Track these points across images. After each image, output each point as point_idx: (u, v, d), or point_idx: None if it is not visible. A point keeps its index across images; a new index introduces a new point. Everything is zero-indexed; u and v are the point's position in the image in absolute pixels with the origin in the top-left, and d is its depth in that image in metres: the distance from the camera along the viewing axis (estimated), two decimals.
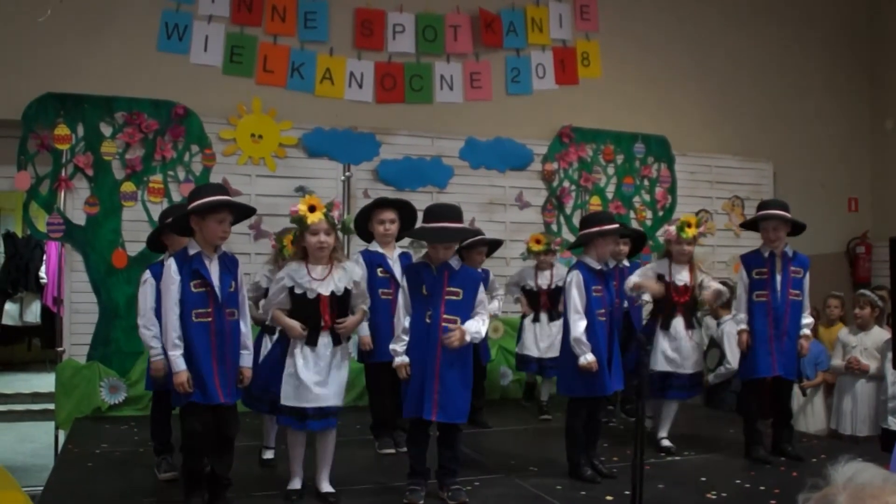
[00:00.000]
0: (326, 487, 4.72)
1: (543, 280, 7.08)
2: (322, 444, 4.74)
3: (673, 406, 6.06)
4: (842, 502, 1.40)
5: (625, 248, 6.82)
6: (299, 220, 4.57)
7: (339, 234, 4.82)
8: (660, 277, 5.84)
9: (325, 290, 4.61)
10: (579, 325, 5.14)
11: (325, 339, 4.62)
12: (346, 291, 4.68)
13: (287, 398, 4.58)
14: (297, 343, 4.61)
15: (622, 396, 6.98)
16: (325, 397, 4.57)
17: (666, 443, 5.97)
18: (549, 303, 7.02)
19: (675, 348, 5.84)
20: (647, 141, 9.21)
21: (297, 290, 4.61)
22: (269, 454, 5.54)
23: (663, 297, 5.82)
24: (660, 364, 5.82)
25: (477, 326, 4.71)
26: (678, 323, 5.84)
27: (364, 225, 6.01)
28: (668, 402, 6.03)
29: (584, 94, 9.09)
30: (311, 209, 4.56)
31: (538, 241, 7.09)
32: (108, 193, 7.31)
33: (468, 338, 4.66)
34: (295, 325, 4.58)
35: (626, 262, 6.78)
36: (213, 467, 4.47)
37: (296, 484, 4.74)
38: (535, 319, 7.06)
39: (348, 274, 4.71)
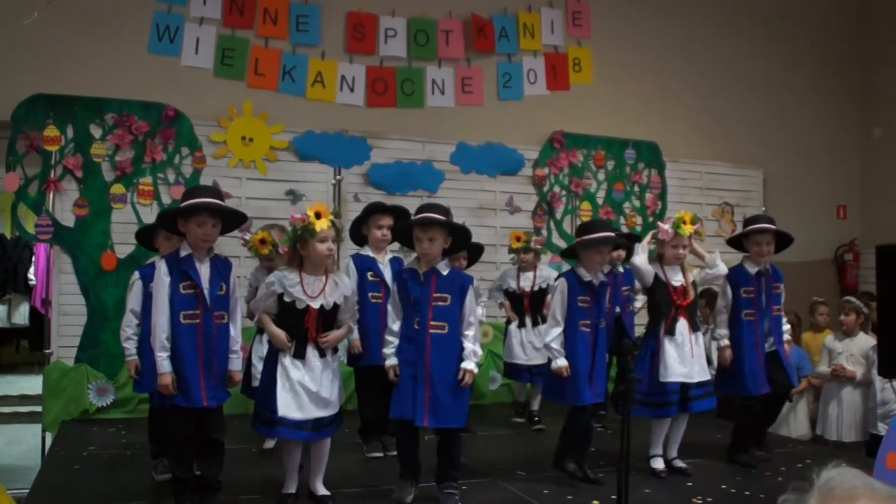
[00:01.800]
0: (322, 490, 4.70)
1: (526, 282, 6.94)
2: (317, 447, 4.69)
3: (683, 420, 5.58)
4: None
5: (622, 254, 6.71)
6: (306, 228, 4.46)
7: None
8: (656, 279, 5.46)
9: (315, 303, 4.54)
10: (552, 332, 5.15)
11: (312, 351, 4.54)
12: (335, 305, 4.61)
13: (288, 409, 4.44)
14: (286, 354, 4.53)
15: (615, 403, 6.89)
16: (323, 408, 4.52)
17: (679, 463, 5.57)
18: (532, 306, 6.89)
19: (681, 355, 5.37)
20: (637, 147, 9.23)
21: (287, 299, 4.54)
22: (270, 443, 5.54)
23: (663, 301, 5.45)
24: (672, 375, 5.34)
25: (475, 355, 4.69)
26: (682, 327, 5.42)
27: (357, 228, 6.00)
28: (680, 417, 5.52)
29: (575, 100, 9.12)
30: (318, 216, 4.47)
31: (518, 239, 6.93)
32: (98, 195, 7.30)
33: (476, 370, 4.68)
34: (281, 334, 4.50)
35: (620, 269, 6.72)
36: (202, 471, 4.46)
37: (291, 488, 4.68)
38: (521, 325, 6.93)
39: (340, 288, 4.64)
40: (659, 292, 5.48)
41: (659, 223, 5.58)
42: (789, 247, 5.85)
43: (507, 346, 7.08)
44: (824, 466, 1.49)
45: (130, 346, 5.10)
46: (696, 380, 5.42)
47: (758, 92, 10.00)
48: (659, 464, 5.50)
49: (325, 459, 4.71)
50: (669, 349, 5.39)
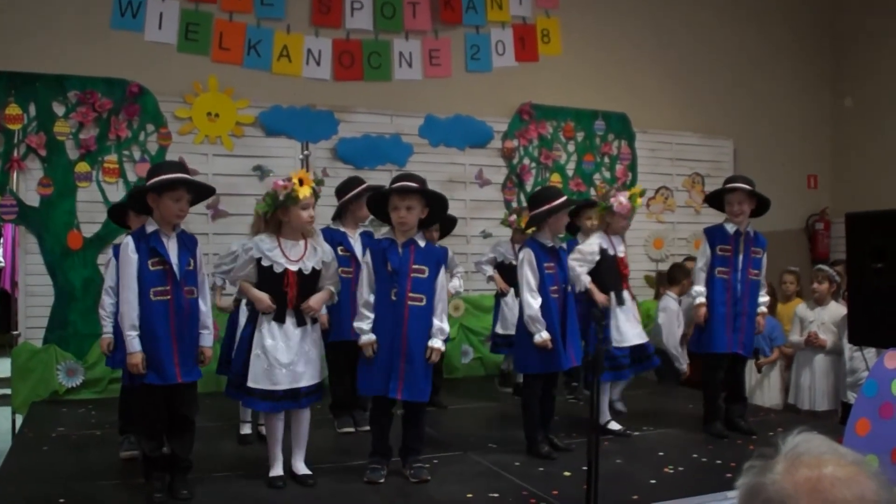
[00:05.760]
0: (303, 469, 4.66)
1: None
2: (296, 424, 4.67)
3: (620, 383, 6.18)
4: (779, 471, 1.41)
5: (595, 223, 6.69)
6: (289, 194, 4.49)
7: None
8: (603, 252, 5.71)
9: (293, 266, 4.56)
10: (534, 303, 5.14)
11: (291, 318, 4.57)
12: (315, 271, 4.63)
13: (256, 380, 4.48)
14: (265, 320, 4.54)
15: (584, 373, 6.92)
16: (297, 378, 4.53)
17: (620, 406, 6.14)
18: None
19: (629, 320, 5.78)
20: (607, 118, 9.21)
21: (265, 263, 4.55)
22: (246, 429, 5.55)
23: (611, 273, 5.73)
24: (627, 340, 5.72)
25: (442, 333, 4.70)
26: (627, 295, 5.83)
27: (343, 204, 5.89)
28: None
29: (544, 72, 9.06)
30: (301, 183, 4.50)
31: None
32: (62, 174, 7.18)
33: (443, 348, 4.71)
34: (264, 296, 4.51)
35: None
36: (172, 449, 4.41)
37: (278, 470, 4.61)
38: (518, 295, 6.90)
39: (319, 254, 4.67)
40: (607, 265, 5.72)
41: (617, 196, 5.71)
42: (768, 210, 5.87)
43: (501, 318, 7.03)
44: (789, 433, 1.48)
45: (107, 324, 5.13)
46: (644, 341, 5.85)
47: (728, 62, 9.98)
48: (615, 425, 5.75)
49: (306, 437, 4.69)
50: (621, 316, 5.74)
